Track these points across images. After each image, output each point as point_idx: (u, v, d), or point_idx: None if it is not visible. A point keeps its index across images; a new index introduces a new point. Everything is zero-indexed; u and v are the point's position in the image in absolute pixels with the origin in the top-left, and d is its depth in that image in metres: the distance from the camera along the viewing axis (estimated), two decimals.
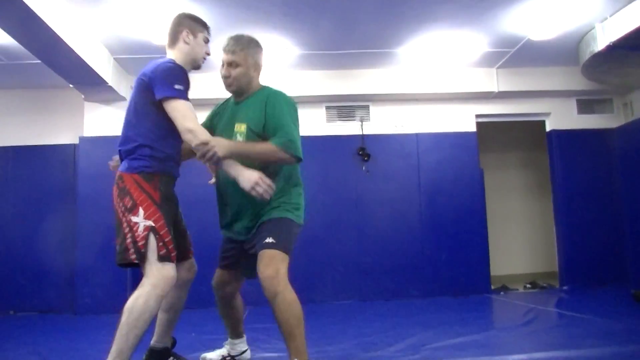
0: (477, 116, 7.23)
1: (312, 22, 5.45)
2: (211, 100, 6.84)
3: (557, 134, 7.26)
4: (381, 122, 7.10)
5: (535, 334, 4.22)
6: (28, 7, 4.09)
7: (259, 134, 2.95)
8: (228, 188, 2.98)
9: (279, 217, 2.95)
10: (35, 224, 6.76)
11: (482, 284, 6.84)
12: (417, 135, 7.06)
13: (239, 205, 2.99)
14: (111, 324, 5.46)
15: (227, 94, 3.25)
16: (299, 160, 2.97)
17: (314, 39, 5.87)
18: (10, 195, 6.83)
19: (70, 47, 4.97)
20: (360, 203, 6.87)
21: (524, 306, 5.61)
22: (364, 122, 7.04)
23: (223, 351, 3.46)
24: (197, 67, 3.02)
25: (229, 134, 3.01)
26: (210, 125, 3.19)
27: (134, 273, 6.40)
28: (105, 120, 6.64)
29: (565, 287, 6.92)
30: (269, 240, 2.83)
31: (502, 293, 6.91)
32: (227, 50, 3.10)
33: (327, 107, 7.06)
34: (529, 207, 8.65)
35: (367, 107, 7.11)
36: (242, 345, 3.46)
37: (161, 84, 2.71)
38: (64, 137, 6.93)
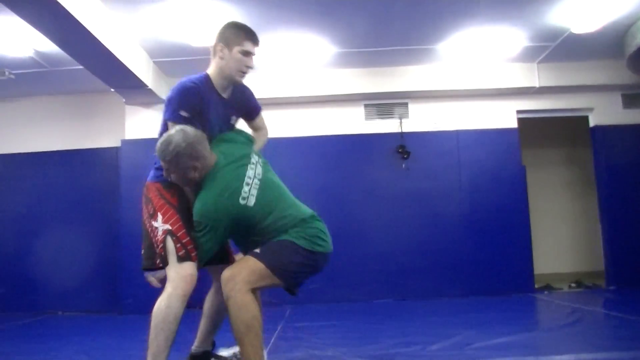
0: (518, 112, 7.09)
1: (348, 20, 5.43)
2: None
3: (601, 129, 7.08)
4: (420, 119, 7.03)
5: (580, 335, 4.11)
6: (69, 12, 4.17)
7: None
8: None
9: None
10: (81, 226, 6.92)
11: (525, 283, 6.71)
12: (457, 132, 6.97)
13: None
14: None
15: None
16: None
17: (350, 37, 5.85)
18: (56, 199, 7.01)
19: (110, 52, 5.05)
20: (399, 201, 6.82)
21: (569, 306, 5.48)
22: (403, 120, 6.98)
23: (236, 349, 3.45)
24: (234, 82, 2.94)
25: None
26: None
27: None
28: (146, 123, 6.74)
29: (611, 287, 6.74)
30: (255, 250, 2.70)
31: (545, 292, 6.77)
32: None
33: (366, 105, 7.02)
34: (573, 205, 8.44)
35: (405, 104, 7.04)
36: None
37: (165, 106, 2.82)
38: (107, 140, 7.06)
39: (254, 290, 2.63)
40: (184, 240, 2.67)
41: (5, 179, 7.10)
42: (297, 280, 2.78)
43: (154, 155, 2.79)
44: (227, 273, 2.62)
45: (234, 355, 3.43)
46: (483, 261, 6.72)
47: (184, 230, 2.68)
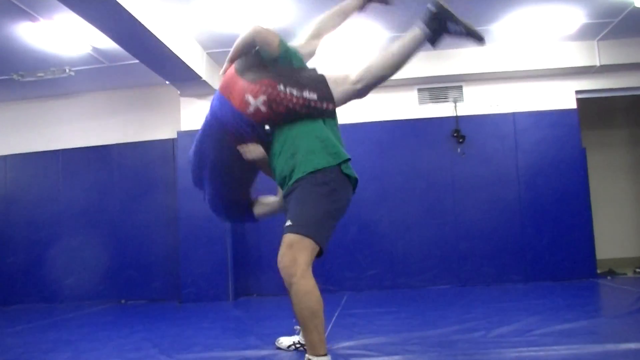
0: (578, 92, 6.86)
1: (401, 3, 5.35)
2: None
3: None
4: (475, 102, 6.90)
5: None
6: (125, 9, 4.26)
7: None
8: None
9: (302, 181, 2.75)
10: (141, 217, 7.10)
11: (587, 268, 6.53)
12: (513, 114, 6.80)
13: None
14: (214, 311, 5.65)
15: None
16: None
17: (404, 21, 5.77)
18: (117, 191, 7.20)
19: (165, 45, 5.14)
20: (456, 186, 6.73)
21: (634, 292, 5.32)
22: (457, 103, 6.86)
23: (295, 338, 3.48)
24: None
25: None
26: None
27: (235, 263, 6.60)
28: (201, 114, 6.80)
29: None
30: (289, 222, 2.72)
31: (609, 278, 6.58)
32: None
33: (419, 90, 6.93)
34: (637, 187, 8.16)
35: (460, 87, 6.91)
36: None
37: None
38: (163, 132, 7.21)
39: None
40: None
41: (69, 172, 7.33)
42: (329, 237, 2.79)
43: None
44: (284, 261, 2.64)
45: (294, 344, 3.46)
46: (543, 246, 6.57)
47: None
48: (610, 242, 7.72)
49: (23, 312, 6.48)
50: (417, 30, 2.76)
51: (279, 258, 2.68)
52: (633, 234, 8.01)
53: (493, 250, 6.61)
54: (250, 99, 2.78)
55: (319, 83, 2.80)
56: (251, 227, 6.94)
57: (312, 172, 2.72)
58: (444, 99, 6.93)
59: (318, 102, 2.76)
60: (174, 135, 7.02)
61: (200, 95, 6.81)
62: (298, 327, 3.35)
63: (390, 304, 5.44)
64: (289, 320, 4.44)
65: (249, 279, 6.93)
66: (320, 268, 6.64)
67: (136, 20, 4.50)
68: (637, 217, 8.07)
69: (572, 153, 6.71)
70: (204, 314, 5.58)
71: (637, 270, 6.96)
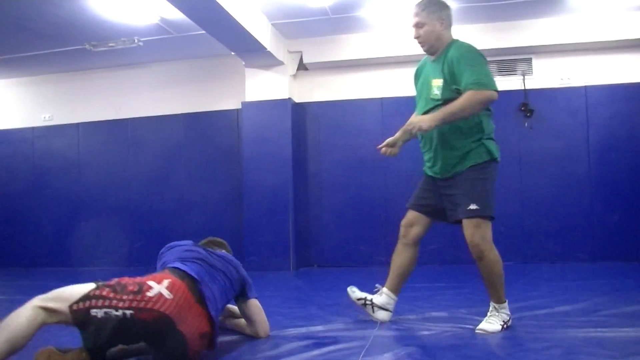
0: None
1: None
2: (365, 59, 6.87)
3: None
4: (545, 75, 6.66)
5: None
6: None
7: (452, 86, 3.14)
8: (426, 137, 3.31)
9: (473, 168, 3.22)
10: (207, 186, 7.26)
11: None
12: (585, 88, 6.55)
13: (434, 151, 3.27)
14: (278, 280, 5.75)
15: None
16: (495, 92, 3.17)
17: None
18: (184, 160, 7.38)
19: (231, 16, 5.19)
20: (522, 162, 6.56)
21: None
22: (526, 77, 6.65)
23: (369, 296, 3.49)
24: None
25: (427, 89, 3.27)
26: (415, 84, 3.49)
27: (297, 234, 6.68)
28: (265, 85, 6.88)
29: None
30: (472, 207, 3.17)
31: None
32: (413, 14, 3.30)
33: None
34: None
35: (529, 60, 6.69)
36: (389, 301, 3.45)
37: None
38: (228, 102, 7.30)
39: None
40: None
41: (137, 141, 7.57)
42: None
43: None
44: (475, 240, 3.16)
45: (365, 299, 3.48)
46: (613, 224, 6.36)
47: None
48: None
49: (93, 274, 6.73)
50: None
51: (469, 238, 3.17)
52: None
53: (559, 227, 6.44)
54: None
55: None
56: (313, 200, 7.00)
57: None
58: (512, 72, 6.73)
59: None
60: (238, 106, 7.10)
61: (264, 66, 6.84)
62: (378, 285, 3.49)
63: (451, 279, 5.40)
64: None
65: (310, 250, 7.00)
66: (382, 241, 6.67)
67: None
68: None
69: None
70: (266, 282, 5.68)
71: None
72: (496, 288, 3.19)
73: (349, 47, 6.87)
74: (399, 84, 6.80)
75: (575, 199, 6.46)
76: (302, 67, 7.08)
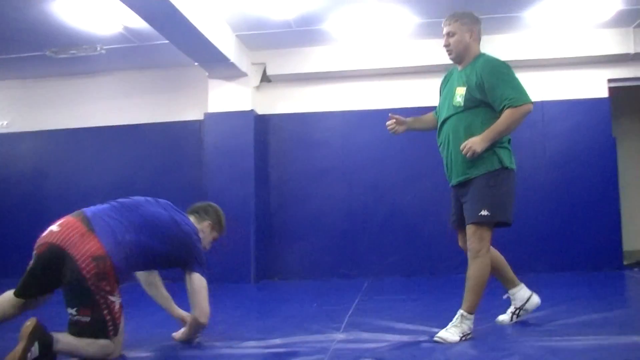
0: (610, 81, 6.71)
1: None
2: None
3: None
4: None
5: None
6: None
7: (476, 96, 3.29)
8: (443, 142, 3.47)
9: (484, 176, 3.32)
10: (169, 195, 6.94)
11: (614, 260, 6.45)
12: (542, 103, 6.68)
13: (449, 155, 3.42)
14: (239, 291, 5.67)
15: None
16: (531, 103, 3.34)
17: (432, 6, 5.71)
18: (145, 170, 7.26)
19: (195, 27, 5.16)
20: None
21: None
22: None
23: (511, 308, 3.67)
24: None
25: (451, 96, 3.40)
26: (441, 91, 3.64)
27: (258, 245, 6.66)
28: (228, 96, 6.87)
29: None
30: (483, 213, 3.26)
31: (636, 269, 6.48)
32: (444, 23, 3.48)
33: None
34: None
35: None
36: (522, 292, 3.67)
37: None
38: (191, 113, 7.26)
39: None
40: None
41: (97, 150, 7.44)
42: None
43: None
44: (474, 246, 3.26)
45: (513, 313, 3.66)
46: (569, 236, 6.51)
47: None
48: (638, 233, 7.60)
49: None
50: None
51: (469, 244, 3.30)
52: None
53: (517, 239, 6.49)
54: None
55: None
56: (276, 211, 7.00)
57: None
58: None
59: None
60: (201, 117, 7.07)
61: (228, 77, 6.82)
62: (505, 295, 3.72)
63: (412, 292, 5.45)
64: (309, 306, 4.50)
65: (272, 261, 6.97)
66: (346, 253, 6.69)
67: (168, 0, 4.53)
68: None
69: (601, 142, 6.60)
70: (226, 293, 5.63)
71: None
72: (473, 294, 3.24)
73: (312, 59, 6.91)
74: (361, 97, 6.88)
75: (532, 211, 6.57)
76: (265, 79, 7.09)
